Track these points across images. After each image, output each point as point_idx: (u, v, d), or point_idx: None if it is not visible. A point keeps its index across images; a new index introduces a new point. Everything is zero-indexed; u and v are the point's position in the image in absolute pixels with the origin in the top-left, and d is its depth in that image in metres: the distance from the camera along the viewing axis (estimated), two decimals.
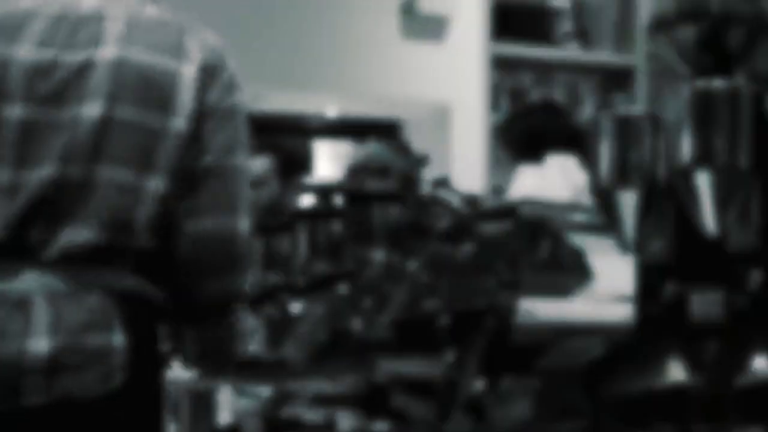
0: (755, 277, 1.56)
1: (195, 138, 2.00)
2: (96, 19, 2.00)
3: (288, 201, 3.12)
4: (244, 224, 2.06)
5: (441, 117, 5.37)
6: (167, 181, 1.96)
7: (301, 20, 5.35)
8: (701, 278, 1.56)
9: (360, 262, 2.24)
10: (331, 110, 6.07)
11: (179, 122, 1.97)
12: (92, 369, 1.91)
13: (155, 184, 1.95)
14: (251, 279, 2.08)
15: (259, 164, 4.16)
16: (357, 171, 3.64)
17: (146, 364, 1.97)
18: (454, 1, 5.55)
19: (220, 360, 2.19)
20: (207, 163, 2.02)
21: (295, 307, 2.96)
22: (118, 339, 1.90)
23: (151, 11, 2.07)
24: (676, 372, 1.58)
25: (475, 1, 5.59)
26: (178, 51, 2.04)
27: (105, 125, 1.92)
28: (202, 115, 2.03)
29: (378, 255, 2.18)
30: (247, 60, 5.79)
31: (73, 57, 1.94)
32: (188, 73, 2.01)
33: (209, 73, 2.05)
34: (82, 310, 1.91)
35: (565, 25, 5.91)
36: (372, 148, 3.71)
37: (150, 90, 1.96)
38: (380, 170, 3.59)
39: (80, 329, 1.90)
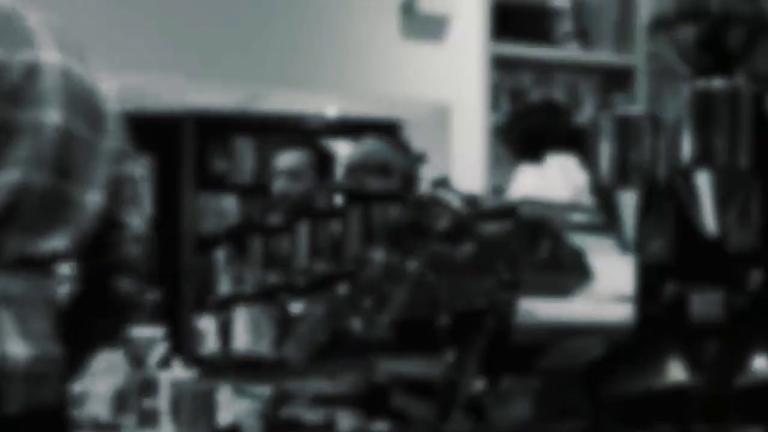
0: (755, 277, 1.56)
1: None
2: (18, 18, 1.96)
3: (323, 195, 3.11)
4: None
5: (441, 117, 5.38)
6: (105, 196, 1.97)
7: (301, 20, 5.35)
8: (701, 278, 1.56)
9: (360, 262, 2.24)
10: (331, 110, 6.08)
11: (112, 142, 1.97)
12: (53, 378, 1.90)
13: (96, 200, 1.96)
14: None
15: (295, 157, 4.16)
16: (356, 169, 3.62)
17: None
18: (454, 1, 5.55)
19: None
20: (128, 171, 2.04)
21: (295, 307, 2.96)
22: (60, 349, 1.91)
23: (54, 20, 2.04)
24: (676, 372, 1.58)
25: (475, 1, 5.59)
26: (88, 65, 2.02)
27: (66, 137, 1.91)
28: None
29: (378, 255, 2.18)
30: (247, 60, 5.81)
31: (20, 56, 1.91)
32: (106, 89, 2.01)
33: (113, 87, 2.05)
34: (43, 319, 1.90)
35: (565, 25, 5.91)
36: (370, 145, 3.69)
37: (88, 104, 1.96)
38: (380, 168, 3.58)
39: (44, 337, 1.89)
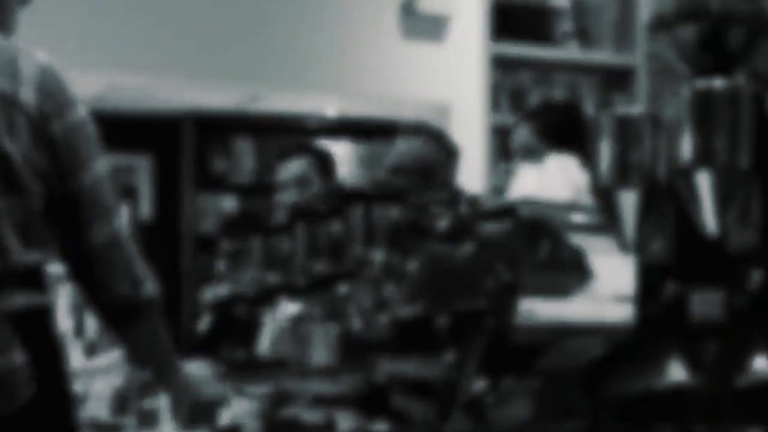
0: (755, 277, 1.56)
1: (52, 161, 2.01)
2: None
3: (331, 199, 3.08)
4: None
5: (441, 117, 5.37)
6: (23, 202, 1.97)
7: (301, 20, 5.35)
8: (701, 278, 1.56)
9: (360, 262, 2.24)
10: (331, 110, 6.08)
11: (23, 147, 1.97)
12: (4, 390, 1.92)
13: (12, 206, 1.96)
14: None
15: (302, 164, 4.13)
16: (397, 170, 3.58)
17: (50, 373, 1.99)
18: (454, 1, 5.55)
19: None
20: (74, 184, 2.04)
21: (295, 307, 2.95)
22: (19, 358, 1.92)
23: None
24: (676, 372, 1.58)
25: (475, 1, 5.59)
26: (15, 75, 2.01)
27: None
28: (47, 140, 2.02)
29: (378, 255, 2.18)
30: (246, 60, 5.78)
31: None
32: (28, 97, 2.00)
33: (51, 97, 2.03)
34: None
35: (565, 25, 5.91)
36: (411, 145, 3.63)
37: None
38: (419, 169, 3.54)
39: None
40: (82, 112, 2.08)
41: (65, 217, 2.06)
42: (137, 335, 2.18)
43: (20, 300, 1.97)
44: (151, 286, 2.16)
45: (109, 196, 2.11)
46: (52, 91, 2.03)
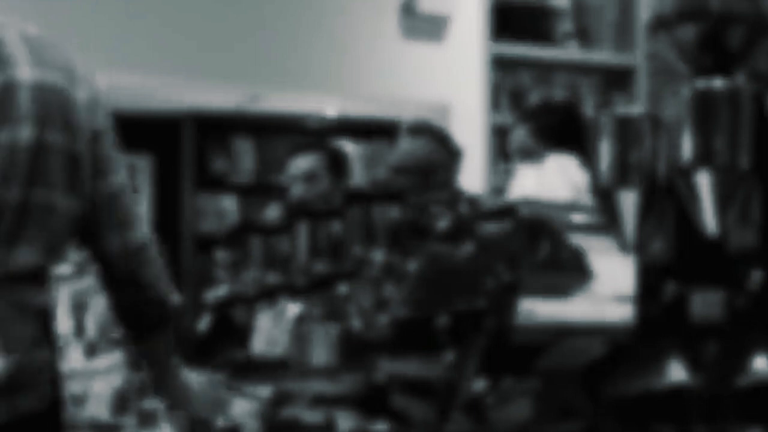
0: (755, 277, 1.56)
1: (91, 161, 2.02)
2: None
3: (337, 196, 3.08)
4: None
5: (441, 117, 5.37)
6: (82, 202, 1.98)
7: (301, 20, 5.36)
8: (701, 278, 1.56)
9: (360, 262, 2.24)
10: (331, 110, 6.08)
11: (80, 146, 1.98)
12: (40, 385, 1.93)
13: (74, 206, 1.97)
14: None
15: (310, 161, 4.14)
16: (398, 171, 3.58)
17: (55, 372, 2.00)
18: (454, 1, 5.55)
19: None
20: (112, 185, 2.04)
21: (295, 307, 2.95)
22: (47, 354, 1.94)
23: (33, 30, 2.04)
24: (676, 372, 1.58)
25: (475, 1, 5.59)
26: (71, 74, 2.01)
27: (39, 149, 1.92)
28: (90, 141, 2.02)
29: (378, 255, 2.18)
30: (246, 60, 5.77)
31: None
32: (82, 97, 2.00)
33: (94, 98, 2.04)
34: (27, 330, 1.92)
35: (565, 25, 5.91)
36: (411, 144, 3.64)
37: (63, 113, 1.96)
38: (420, 169, 3.54)
39: (28, 348, 1.91)
40: (109, 119, 2.09)
41: (95, 220, 2.07)
42: (154, 343, 2.19)
43: (42, 298, 1.98)
44: (175, 297, 2.18)
45: (134, 202, 2.12)
46: (94, 93, 2.04)
